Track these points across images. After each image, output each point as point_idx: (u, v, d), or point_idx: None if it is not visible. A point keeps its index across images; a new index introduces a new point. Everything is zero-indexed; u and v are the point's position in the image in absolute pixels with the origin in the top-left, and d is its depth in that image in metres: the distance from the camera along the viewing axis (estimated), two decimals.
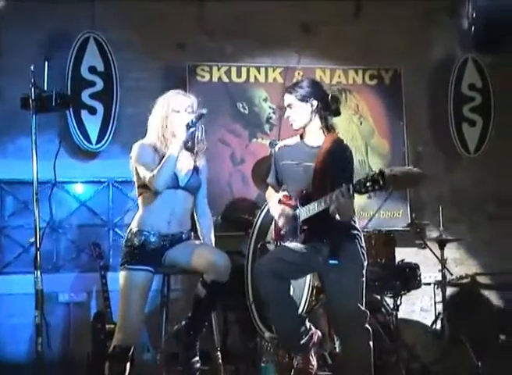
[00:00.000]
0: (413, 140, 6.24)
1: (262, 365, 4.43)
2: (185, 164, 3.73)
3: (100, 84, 5.73)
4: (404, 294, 4.96)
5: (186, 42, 5.99)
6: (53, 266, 5.78)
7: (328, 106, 3.70)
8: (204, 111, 3.60)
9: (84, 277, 5.67)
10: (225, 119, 5.95)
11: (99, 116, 5.71)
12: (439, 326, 5.37)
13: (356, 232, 3.63)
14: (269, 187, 3.96)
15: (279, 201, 3.79)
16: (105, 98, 5.72)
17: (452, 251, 6.24)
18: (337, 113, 3.75)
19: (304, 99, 3.67)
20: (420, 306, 6.16)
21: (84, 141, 5.68)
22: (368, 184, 3.12)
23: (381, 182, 3.08)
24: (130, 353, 3.51)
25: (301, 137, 3.76)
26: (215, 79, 5.95)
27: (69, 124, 5.65)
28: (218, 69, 5.95)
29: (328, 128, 3.71)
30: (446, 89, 6.28)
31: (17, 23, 5.66)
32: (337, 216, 3.37)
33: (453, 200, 6.27)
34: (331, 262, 3.49)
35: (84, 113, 5.67)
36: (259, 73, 6.02)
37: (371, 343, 3.50)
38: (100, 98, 5.72)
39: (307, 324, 3.61)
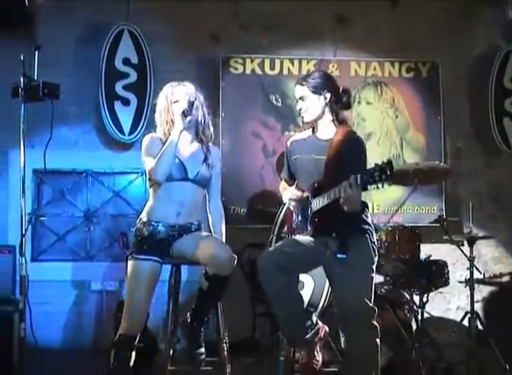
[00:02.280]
0: (451, 134, 6.12)
1: (281, 359, 4.39)
2: (194, 156, 3.72)
3: (134, 76, 5.79)
4: (431, 291, 4.83)
5: (221, 35, 6.00)
6: (86, 255, 5.91)
7: (339, 99, 3.65)
8: (192, 99, 3.61)
9: (116, 266, 5.72)
10: (257, 112, 5.94)
11: (132, 107, 5.77)
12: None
13: (367, 227, 3.57)
14: (281, 182, 3.94)
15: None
16: (139, 90, 5.77)
17: (491, 249, 6.11)
18: (348, 106, 3.70)
19: (317, 91, 3.61)
20: (457, 304, 6.02)
21: (117, 131, 5.75)
22: (375, 174, 3.07)
23: (388, 172, 3.03)
24: (136, 342, 3.53)
25: (313, 130, 3.72)
26: (248, 71, 5.94)
27: (102, 115, 5.74)
28: (252, 61, 5.94)
29: (339, 121, 3.65)
30: (486, 82, 6.09)
31: (54, 16, 5.77)
32: (344, 208, 3.30)
33: (492, 196, 6.13)
34: (339, 256, 3.43)
35: (118, 104, 5.75)
36: (293, 65, 5.97)
37: (377, 340, 3.42)
38: (133, 89, 5.78)
39: (314, 318, 3.56)
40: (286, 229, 3.88)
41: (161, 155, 3.55)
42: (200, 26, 5.92)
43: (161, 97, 3.71)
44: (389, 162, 3.06)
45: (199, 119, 3.70)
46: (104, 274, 5.78)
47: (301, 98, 3.64)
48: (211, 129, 3.81)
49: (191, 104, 3.61)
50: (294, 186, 3.79)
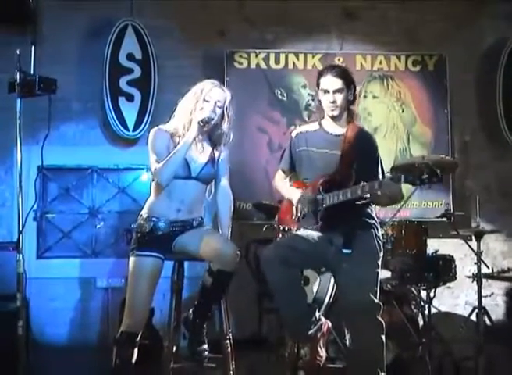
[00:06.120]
0: (458, 128, 6.05)
1: (286, 355, 4.36)
2: (201, 155, 3.65)
3: (138, 71, 5.76)
4: (438, 286, 4.78)
5: (226, 29, 5.95)
6: (92, 252, 5.89)
7: (355, 95, 3.65)
8: (212, 115, 3.53)
9: (122, 263, 5.58)
10: (262, 107, 5.89)
11: (136, 103, 5.74)
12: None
13: (372, 221, 3.54)
14: (278, 173, 3.89)
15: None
16: (143, 85, 5.75)
17: (499, 244, 6.05)
18: (353, 101, 3.67)
19: (349, 86, 3.58)
20: (465, 300, 5.95)
21: (122, 127, 5.73)
22: (423, 177, 3.03)
23: (439, 175, 3.03)
24: (138, 339, 3.50)
25: (319, 124, 3.67)
26: (253, 65, 5.89)
27: (106, 111, 5.72)
28: (256, 56, 5.89)
29: (351, 117, 3.62)
30: (494, 75, 6.01)
31: (58, 11, 5.76)
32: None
33: (500, 190, 6.06)
34: (344, 250, 3.40)
35: (122, 100, 5.73)
36: (298, 59, 5.92)
37: (383, 336, 3.39)
38: (138, 85, 5.75)
39: (317, 314, 3.53)
40: (276, 220, 3.83)
41: (169, 160, 3.48)
42: (205, 21, 5.88)
43: (196, 88, 3.61)
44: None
45: (222, 129, 3.65)
46: (109, 271, 5.76)
47: (337, 91, 3.54)
48: (229, 139, 3.75)
49: (214, 116, 3.54)
50: (289, 178, 3.77)
